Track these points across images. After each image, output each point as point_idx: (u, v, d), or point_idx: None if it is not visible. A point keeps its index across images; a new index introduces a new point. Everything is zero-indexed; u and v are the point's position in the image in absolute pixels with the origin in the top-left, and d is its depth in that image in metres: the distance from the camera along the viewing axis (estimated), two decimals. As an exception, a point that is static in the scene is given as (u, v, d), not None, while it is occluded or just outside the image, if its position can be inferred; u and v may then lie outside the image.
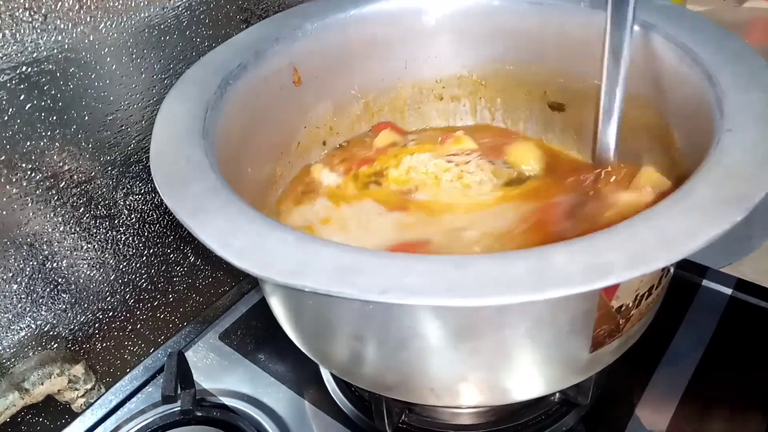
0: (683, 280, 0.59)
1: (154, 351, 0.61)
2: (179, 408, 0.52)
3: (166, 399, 0.48)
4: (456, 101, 0.61)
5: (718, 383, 0.51)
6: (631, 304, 0.37)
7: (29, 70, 0.46)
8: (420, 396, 0.40)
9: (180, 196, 0.36)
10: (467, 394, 0.39)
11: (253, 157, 0.50)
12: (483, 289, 0.28)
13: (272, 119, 0.53)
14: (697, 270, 0.60)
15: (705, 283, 0.59)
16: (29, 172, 0.49)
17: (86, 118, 0.51)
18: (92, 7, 0.49)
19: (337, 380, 0.54)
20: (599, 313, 0.36)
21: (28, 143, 0.48)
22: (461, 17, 0.57)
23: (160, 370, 0.57)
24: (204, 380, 0.56)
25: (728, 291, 0.58)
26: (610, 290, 0.35)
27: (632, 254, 0.29)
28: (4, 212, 0.48)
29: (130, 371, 0.58)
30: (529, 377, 0.38)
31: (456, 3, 0.57)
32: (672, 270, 0.42)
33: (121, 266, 0.59)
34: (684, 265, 0.60)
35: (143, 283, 0.62)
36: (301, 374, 0.55)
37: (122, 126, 0.54)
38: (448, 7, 0.57)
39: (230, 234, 0.33)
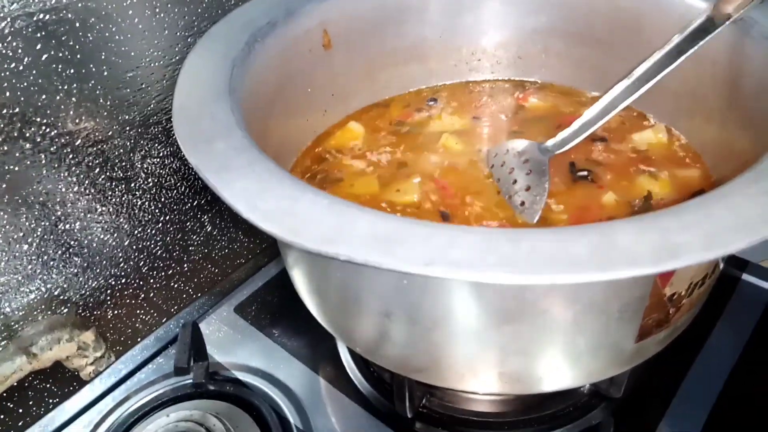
0: (723, 274, 0.56)
1: (166, 321, 0.59)
2: (191, 381, 0.49)
3: (179, 371, 0.46)
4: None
5: (757, 383, 0.48)
6: (683, 293, 0.35)
7: (47, 17, 0.44)
8: (449, 380, 0.38)
9: (204, 153, 0.33)
10: (499, 381, 0.36)
11: (279, 121, 0.48)
12: (539, 265, 0.25)
13: (300, 83, 0.50)
14: (737, 263, 0.57)
15: (745, 277, 0.56)
16: (43, 128, 0.46)
17: (105, 73, 0.49)
18: (116, -45, 0.46)
19: (356, 358, 0.52)
20: (651, 301, 0.33)
21: (44, 97, 0.46)
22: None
23: (173, 341, 0.55)
24: (217, 353, 0.54)
25: (771, 286, 0.55)
26: (665, 276, 0.32)
27: (707, 235, 0.26)
28: (17, 168, 0.46)
29: (141, 340, 0.56)
30: (568, 366, 0.36)
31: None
32: (723, 260, 0.39)
33: (136, 232, 0.57)
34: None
35: (158, 250, 0.59)
36: (318, 351, 0.53)
37: (142, 84, 0.52)
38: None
39: (258, 195, 0.30)
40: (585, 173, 0.47)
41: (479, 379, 0.37)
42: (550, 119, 0.53)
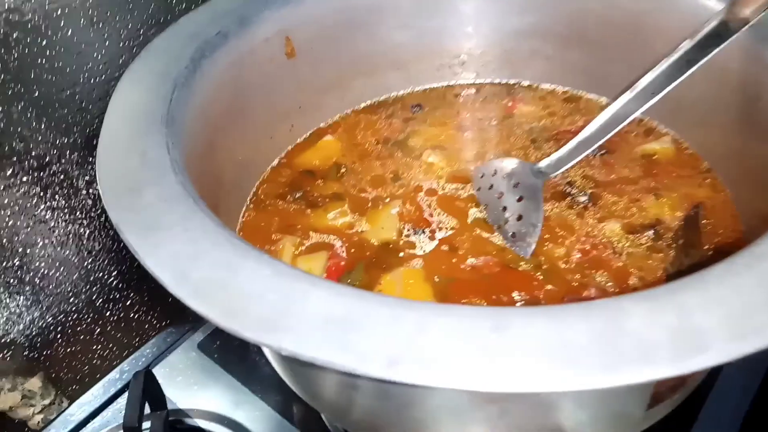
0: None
1: (128, 355, 0.54)
2: (149, 433, 0.44)
3: (128, 430, 0.41)
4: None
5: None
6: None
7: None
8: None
9: (128, 206, 0.28)
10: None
11: (237, 143, 0.42)
12: (531, 366, 0.20)
13: (260, 98, 0.44)
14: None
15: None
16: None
17: (36, 94, 0.43)
18: (42, -41, 0.40)
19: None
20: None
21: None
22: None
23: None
24: (179, 397, 0.49)
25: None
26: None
27: (733, 320, 0.20)
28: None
29: (101, 378, 0.51)
30: (568, 439, 0.31)
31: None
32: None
33: (86, 263, 0.51)
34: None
35: (113, 281, 0.54)
36: (290, 394, 0.48)
37: (83, 103, 0.46)
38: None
39: (189, 262, 0.25)
40: (585, 198, 0.42)
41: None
42: (543, 129, 0.47)
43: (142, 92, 0.35)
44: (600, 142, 0.39)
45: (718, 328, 0.20)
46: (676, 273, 0.36)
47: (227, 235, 0.26)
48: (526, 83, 0.52)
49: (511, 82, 0.52)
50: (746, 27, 0.35)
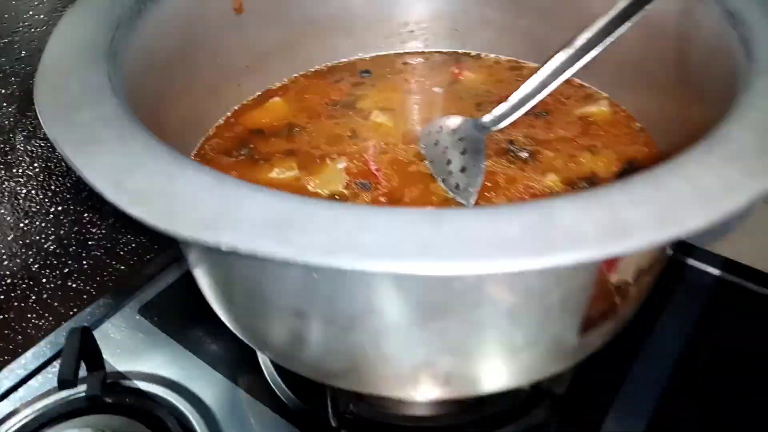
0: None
1: (65, 324, 0.52)
2: (84, 394, 0.43)
3: (63, 384, 0.39)
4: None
5: (703, 373, 0.45)
6: (630, 280, 0.31)
7: None
8: (373, 386, 0.33)
9: (66, 123, 0.27)
10: (429, 386, 0.32)
11: (183, 95, 0.42)
12: (467, 251, 0.20)
13: (208, 52, 0.44)
14: (683, 248, 0.54)
15: (691, 262, 0.53)
16: None
17: (-29, 38, 0.41)
18: None
19: (277, 364, 0.46)
20: (595, 290, 0.29)
21: None
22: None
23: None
24: (118, 361, 0.47)
25: (716, 272, 0.52)
26: (611, 262, 0.28)
27: (661, 211, 0.22)
28: None
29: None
30: (506, 365, 0.32)
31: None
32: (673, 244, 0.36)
33: (22, 225, 0.49)
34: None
35: (50, 245, 0.52)
36: (235, 356, 0.47)
37: (22, 52, 0.44)
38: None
39: (127, 173, 0.25)
40: (526, 154, 0.43)
41: (406, 384, 0.32)
42: (488, 94, 0.49)
43: (84, 27, 0.34)
44: (538, 97, 0.40)
45: (643, 220, 0.21)
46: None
47: (165, 148, 0.26)
48: (474, 53, 0.53)
49: (459, 51, 0.53)
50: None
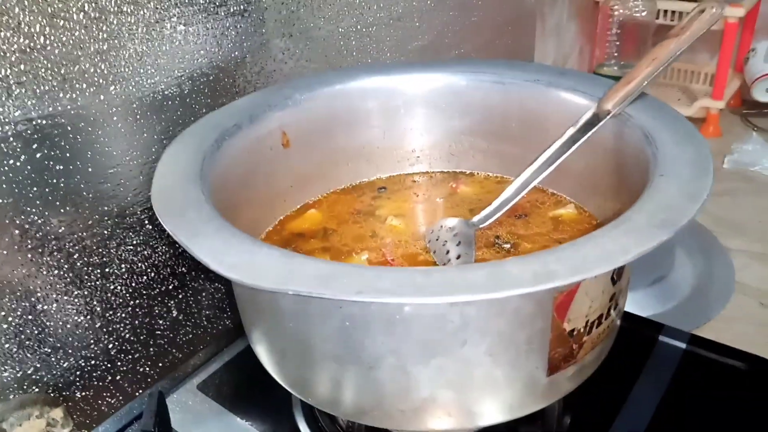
0: (642, 335, 0.63)
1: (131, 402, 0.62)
2: (153, 457, 0.52)
3: (144, 435, 0.49)
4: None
5: (673, 427, 0.54)
6: (582, 330, 0.41)
7: (44, 122, 0.51)
8: (392, 419, 0.42)
9: (178, 221, 0.40)
10: (434, 416, 0.42)
11: (246, 207, 0.55)
12: (445, 289, 0.32)
13: (263, 175, 0.58)
14: (654, 327, 0.64)
15: (661, 338, 0.63)
16: (32, 216, 0.53)
17: (90, 169, 0.56)
18: (105, 72, 0.55)
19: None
20: (553, 334, 0.40)
21: (35, 189, 0.52)
22: (433, 95, 0.64)
23: (137, 417, 0.58)
24: (181, 428, 0.57)
25: (683, 345, 0.61)
26: (561, 310, 0.39)
27: (574, 264, 0.33)
28: (5, 252, 0.51)
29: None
30: (491, 398, 0.41)
31: (428, 83, 0.64)
32: (621, 308, 0.46)
33: (107, 314, 0.61)
34: (642, 322, 0.64)
35: (126, 333, 0.64)
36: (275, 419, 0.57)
37: (121, 179, 0.59)
38: (420, 87, 0.64)
39: (223, 252, 0.37)
40: (508, 245, 0.55)
41: (417, 415, 0.42)
42: (480, 202, 0.62)
43: (182, 159, 0.48)
44: (515, 200, 0.53)
45: (563, 269, 0.33)
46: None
47: (249, 237, 0.38)
48: (468, 171, 0.67)
49: (456, 170, 0.67)
50: (609, 116, 0.51)
